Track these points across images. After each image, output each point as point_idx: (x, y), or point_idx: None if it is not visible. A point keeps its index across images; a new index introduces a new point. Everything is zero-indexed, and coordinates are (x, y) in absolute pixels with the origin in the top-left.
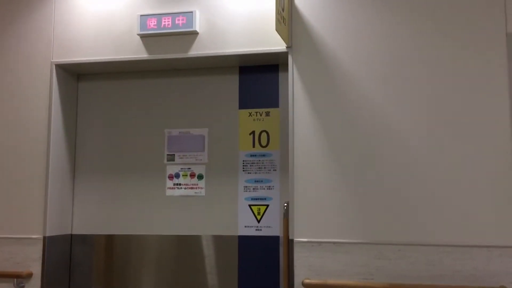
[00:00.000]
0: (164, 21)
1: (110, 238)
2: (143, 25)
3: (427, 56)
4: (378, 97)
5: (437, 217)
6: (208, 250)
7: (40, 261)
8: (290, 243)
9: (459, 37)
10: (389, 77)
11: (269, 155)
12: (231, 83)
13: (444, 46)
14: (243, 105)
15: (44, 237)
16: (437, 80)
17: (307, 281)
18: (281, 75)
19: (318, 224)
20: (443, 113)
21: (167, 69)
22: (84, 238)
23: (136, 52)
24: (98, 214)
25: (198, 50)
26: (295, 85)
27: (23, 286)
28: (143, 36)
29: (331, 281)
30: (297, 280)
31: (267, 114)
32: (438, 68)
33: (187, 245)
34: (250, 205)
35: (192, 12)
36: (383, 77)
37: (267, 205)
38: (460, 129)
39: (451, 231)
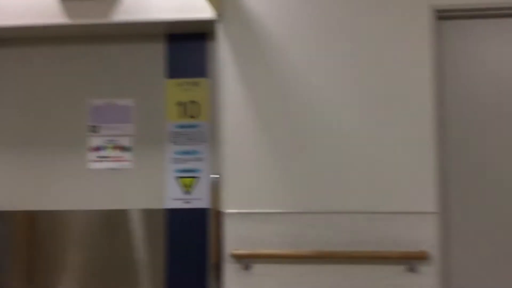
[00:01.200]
0: None
1: (29, 215)
2: None
3: (355, 29)
4: (308, 68)
5: (362, 184)
6: (135, 225)
7: None
8: (219, 214)
9: (384, 11)
10: (320, 49)
11: (199, 126)
12: (158, 52)
13: (370, 20)
14: (171, 74)
15: None
16: (364, 53)
17: (236, 251)
18: (210, 44)
19: (247, 195)
20: (369, 84)
21: (89, 36)
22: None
23: (55, 16)
24: (16, 189)
25: (121, 15)
26: (224, 55)
27: None
28: (62, 0)
29: (260, 251)
30: (227, 251)
31: (196, 84)
32: (366, 40)
33: (113, 220)
34: (179, 177)
35: None
36: (314, 49)
37: (197, 177)
38: (385, 100)
39: (375, 198)
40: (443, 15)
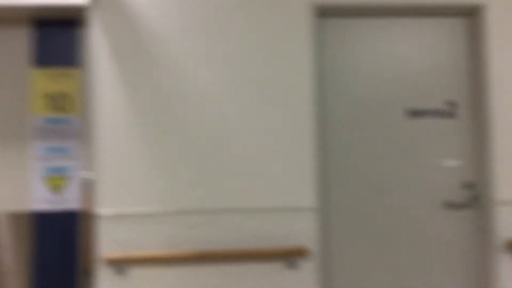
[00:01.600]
0: None
1: None
2: None
3: (234, 18)
4: (188, 61)
5: (244, 182)
6: None
7: None
8: (92, 216)
9: (265, 6)
10: (199, 43)
11: (69, 120)
12: (22, 38)
13: (250, 16)
14: (37, 63)
15: None
16: (244, 49)
17: (110, 255)
18: (83, 31)
19: (124, 195)
20: (249, 80)
21: None
22: None
23: None
24: None
25: None
26: (97, 43)
27: None
28: None
29: (136, 253)
30: (101, 256)
31: (67, 74)
32: (246, 37)
33: None
34: (46, 177)
35: None
36: (194, 42)
37: (67, 176)
38: (265, 97)
39: (254, 195)
40: (323, 13)
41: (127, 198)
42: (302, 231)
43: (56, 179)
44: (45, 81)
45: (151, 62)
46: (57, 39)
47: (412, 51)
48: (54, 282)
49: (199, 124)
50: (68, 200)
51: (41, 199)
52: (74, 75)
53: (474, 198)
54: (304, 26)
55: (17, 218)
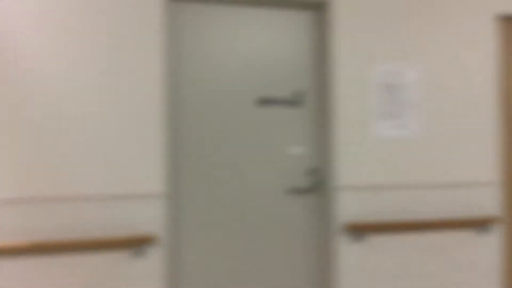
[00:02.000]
0: None
1: None
2: None
3: (84, 5)
4: (31, 45)
5: (88, 168)
6: None
7: None
8: None
9: None
10: (43, 24)
11: None
12: None
13: None
14: None
15: None
16: (91, 29)
17: None
18: None
19: None
20: (96, 64)
21: None
22: None
23: None
24: None
25: None
26: None
27: None
28: None
29: None
30: None
31: None
32: (92, 14)
33: None
34: None
35: None
36: (36, 25)
37: None
38: (113, 82)
39: (101, 182)
40: None
41: None
42: (150, 218)
43: None
44: None
45: None
46: None
47: (264, 41)
48: None
49: (41, 108)
50: None
51: None
52: None
53: (317, 183)
54: (156, 9)
55: None
